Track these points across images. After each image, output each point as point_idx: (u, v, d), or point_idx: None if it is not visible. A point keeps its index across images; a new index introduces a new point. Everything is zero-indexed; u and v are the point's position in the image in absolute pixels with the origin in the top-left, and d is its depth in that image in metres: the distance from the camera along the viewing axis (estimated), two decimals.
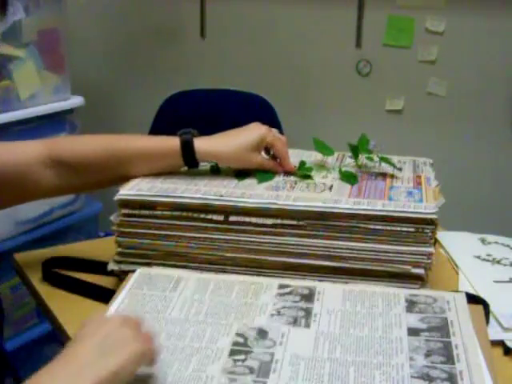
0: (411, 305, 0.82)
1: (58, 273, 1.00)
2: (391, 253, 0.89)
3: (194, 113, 2.20)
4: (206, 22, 2.49)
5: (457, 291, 0.90)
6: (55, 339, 1.70)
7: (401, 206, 0.90)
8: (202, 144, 0.98)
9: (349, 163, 1.09)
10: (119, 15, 2.61)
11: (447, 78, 2.23)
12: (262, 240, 0.92)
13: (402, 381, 0.68)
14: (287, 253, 0.92)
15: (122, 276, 0.96)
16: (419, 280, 0.90)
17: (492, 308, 0.87)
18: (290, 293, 0.86)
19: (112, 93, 2.69)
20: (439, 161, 1.17)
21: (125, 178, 0.98)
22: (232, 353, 0.73)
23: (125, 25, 2.61)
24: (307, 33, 2.37)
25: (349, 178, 1.01)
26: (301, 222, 0.91)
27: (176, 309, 0.82)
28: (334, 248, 0.90)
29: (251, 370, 0.70)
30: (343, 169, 1.05)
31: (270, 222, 0.91)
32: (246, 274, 0.93)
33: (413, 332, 0.77)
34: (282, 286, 0.87)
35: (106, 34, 2.65)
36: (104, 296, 0.92)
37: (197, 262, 0.95)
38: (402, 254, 0.89)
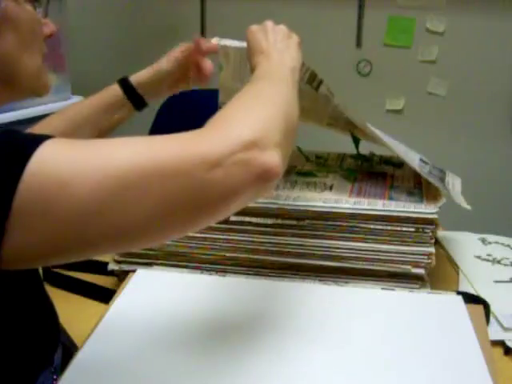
0: None
1: (58, 273, 1.00)
2: (391, 253, 0.89)
3: (194, 113, 2.19)
4: (206, 22, 2.48)
5: (457, 291, 0.90)
6: None
7: (401, 206, 0.90)
8: (135, 76, 1.00)
9: (349, 163, 1.09)
10: (119, 15, 2.61)
11: (447, 78, 2.23)
12: (262, 240, 0.92)
13: None
14: (287, 253, 0.92)
15: (122, 276, 0.96)
16: (419, 280, 0.89)
17: (492, 308, 0.87)
18: None
19: None
20: (439, 161, 1.16)
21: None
22: None
23: (125, 25, 2.61)
24: (307, 33, 2.35)
25: (349, 173, 1.02)
26: (301, 222, 0.91)
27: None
28: (334, 248, 0.90)
29: None
30: (344, 166, 1.05)
31: (270, 221, 0.91)
32: (246, 274, 0.93)
33: None
34: None
35: (106, 34, 2.65)
36: (104, 296, 0.92)
37: (197, 262, 0.95)
38: (402, 253, 0.89)
